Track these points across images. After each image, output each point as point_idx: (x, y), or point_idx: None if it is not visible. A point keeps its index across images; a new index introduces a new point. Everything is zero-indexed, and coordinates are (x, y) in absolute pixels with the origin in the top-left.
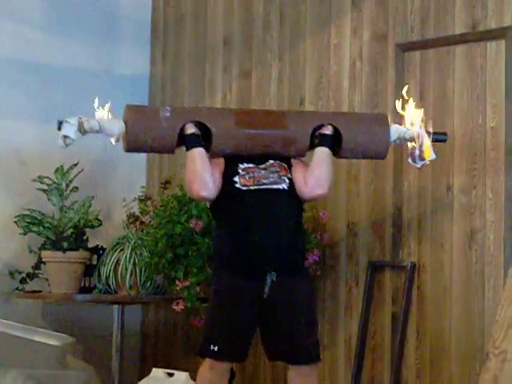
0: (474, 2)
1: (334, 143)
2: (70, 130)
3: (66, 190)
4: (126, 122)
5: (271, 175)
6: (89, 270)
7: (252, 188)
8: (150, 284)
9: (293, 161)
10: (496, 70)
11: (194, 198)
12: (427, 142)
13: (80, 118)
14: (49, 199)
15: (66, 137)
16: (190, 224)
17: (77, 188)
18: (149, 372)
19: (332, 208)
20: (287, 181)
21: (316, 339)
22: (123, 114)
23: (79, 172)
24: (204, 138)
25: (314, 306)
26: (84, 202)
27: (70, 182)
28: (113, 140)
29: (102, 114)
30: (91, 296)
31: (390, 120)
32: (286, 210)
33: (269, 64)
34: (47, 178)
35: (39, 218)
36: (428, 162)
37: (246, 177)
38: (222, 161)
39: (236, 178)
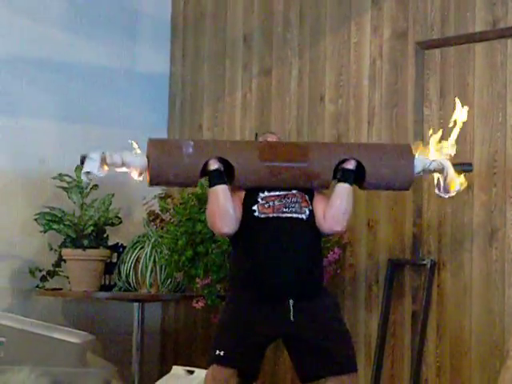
0: None
1: (358, 176)
2: (92, 165)
3: (86, 187)
4: (148, 158)
5: (292, 205)
6: (109, 267)
7: (271, 216)
8: (170, 282)
9: (315, 193)
10: None
11: (216, 234)
12: (452, 174)
13: (103, 154)
14: (69, 197)
15: (89, 173)
16: None
17: (97, 186)
18: (169, 370)
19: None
20: (307, 212)
21: (351, 350)
22: (146, 148)
23: None
24: (227, 173)
25: (341, 318)
26: (104, 200)
27: (91, 179)
28: (135, 175)
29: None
30: (111, 294)
31: (413, 150)
32: (305, 239)
33: (289, 62)
34: (67, 175)
35: (59, 215)
36: (454, 194)
37: (266, 205)
38: (242, 191)
39: (255, 207)
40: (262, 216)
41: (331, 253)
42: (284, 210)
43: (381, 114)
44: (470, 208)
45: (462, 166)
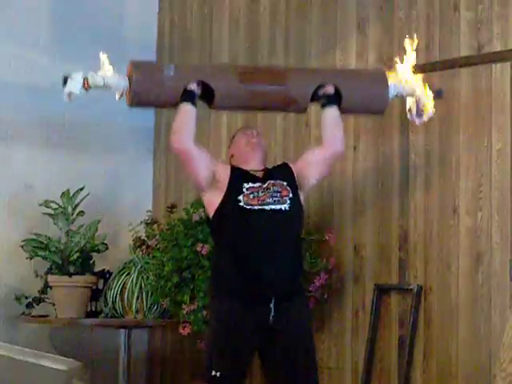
0: (479, 24)
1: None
2: (74, 86)
3: (72, 214)
4: (129, 79)
5: (274, 194)
6: (95, 294)
7: (255, 208)
8: (157, 308)
9: (290, 164)
10: (501, 92)
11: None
12: (425, 98)
13: (85, 74)
14: (55, 223)
15: (70, 93)
16: (196, 248)
17: (83, 212)
18: None
19: (338, 231)
20: (288, 201)
21: (314, 367)
22: (127, 69)
23: (85, 196)
24: (208, 96)
25: (312, 331)
26: (90, 226)
27: (76, 206)
28: (117, 95)
29: (107, 69)
30: (98, 320)
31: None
32: (287, 232)
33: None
34: (53, 202)
35: (45, 242)
36: (426, 120)
37: (251, 196)
38: (226, 173)
39: (240, 197)
40: (247, 207)
41: (318, 278)
42: (268, 200)
43: (366, 138)
44: (455, 232)
45: (433, 91)
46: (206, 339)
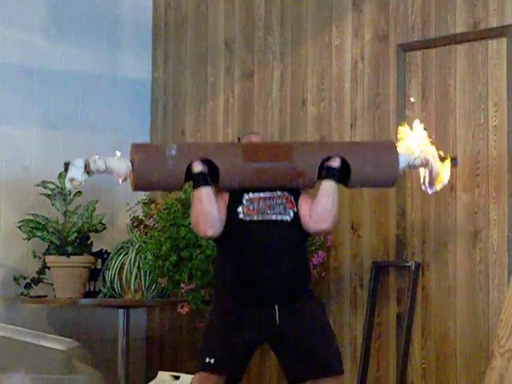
0: (475, 0)
1: (343, 175)
2: (76, 172)
3: (70, 194)
4: (132, 162)
5: (276, 207)
6: (93, 274)
7: (255, 219)
8: (155, 287)
9: (301, 192)
10: (498, 69)
11: (200, 236)
12: (437, 168)
13: (86, 160)
14: (52, 204)
15: (73, 179)
16: None
17: (80, 192)
18: (155, 375)
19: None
20: (292, 214)
21: (336, 352)
22: (130, 153)
23: None
24: (211, 175)
25: (326, 320)
26: (88, 207)
27: (75, 186)
28: (120, 180)
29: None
30: (96, 300)
31: (397, 148)
32: (290, 243)
33: (270, 65)
34: (50, 182)
35: (43, 222)
36: (438, 189)
37: (250, 207)
38: (226, 193)
39: (239, 209)
40: (247, 219)
41: (315, 256)
42: (268, 211)
43: (363, 117)
44: (453, 209)
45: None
46: (204, 327)
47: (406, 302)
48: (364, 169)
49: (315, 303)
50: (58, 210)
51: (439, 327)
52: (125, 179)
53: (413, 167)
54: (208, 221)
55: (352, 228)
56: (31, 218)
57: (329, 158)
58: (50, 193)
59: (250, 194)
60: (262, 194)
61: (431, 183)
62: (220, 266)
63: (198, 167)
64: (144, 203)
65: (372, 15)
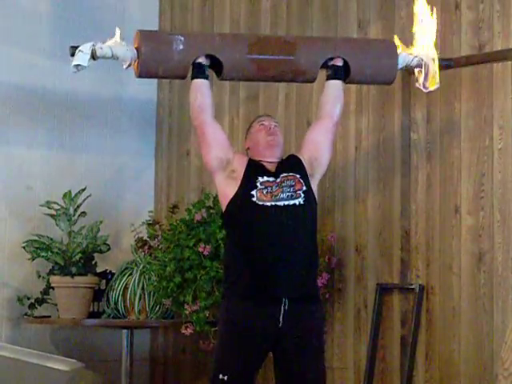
0: (480, 23)
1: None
2: (82, 58)
3: (74, 215)
4: (137, 51)
5: (287, 189)
6: (97, 294)
7: (268, 204)
8: (159, 308)
9: (297, 154)
10: (502, 92)
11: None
12: (432, 69)
13: (93, 46)
14: (57, 224)
15: (78, 65)
16: (198, 248)
17: (85, 213)
18: None
19: (340, 231)
20: (302, 195)
21: (322, 369)
22: (135, 40)
23: (87, 197)
24: (216, 66)
25: (322, 335)
26: (92, 227)
27: (78, 206)
28: (124, 65)
29: (115, 40)
30: (100, 321)
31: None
32: (302, 229)
33: (276, 86)
34: (55, 203)
35: (47, 243)
36: (432, 89)
37: (264, 191)
38: (243, 165)
39: (254, 192)
40: (260, 203)
41: (319, 277)
42: (281, 195)
43: (367, 139)
44: (457, 232)
45: (443, 62)
46: (216, 341)
47: (410, 324)
48: (364, 70)
49: (321, 314)
50: (62, 230)
51: (443, 350)
52: (129, 65)
53: (410, 67)
54: (197, 110)
55: (356, 250)
56: (35, 238)
57: (331, 58)
58: (54, 213)
59: (265, 177)
60: (272, 178)
61: (425, 84)
62: (228, 255)
63: (199, 58)
64: (148, 224)
65: (377, 37)
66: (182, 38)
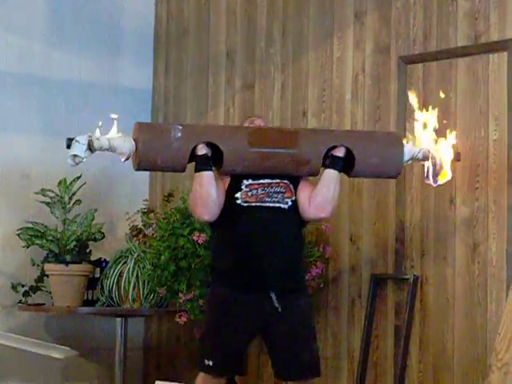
0: (476, 14)
1: (347, 164)
2: (79, 149)
3: (69, 202)
4: (136, 141)
5: (275, 195)
6: (92, 282)
7: (253, 205)
8: (153, 297)
9: (301, 180)
10: (498, 83)
11: (196, 219)
12: (441, 162)
13: (90, 137)
14: (52, 212)
15: (75, 156)
16: (193, 237)
17: (80, 201)
18: None
19: (335, 221)
20: (290, 203)
21: (315, 354)
22: (133, 131)
23: (82, 185)
24: (215, 158)
25: (311, 323)
26: (87, 215)
27: (73, 194)
28: (122, 158)
29: (112, 132)
30: (94, 309)
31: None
32: (286, 229)
33: (272, 77)
34: (50, 190)
35: (42, 230)
36: (442, 183)
37: (249, 194)
38: (228, 178)
39: (238, 194)
40: (245, 205)
41: (314, 267)
42: (267, 199)
43: (363, 129)
44: (452, 222)
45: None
46: (202, 328)
47: (403, 314)
48: (368, 160)
49: (305, 301)
50: (57, 218)
51: (437, 340)
52: (127, 158)
53: (416, 160)
54: (206, 205)
55: (351, 240)
56: (30, 225)
57: (334, 147)
58: (49, 201)
59: (250, 181)
60: (261, 181)
61: (435, 176)
62: (215, 251)
63: (201, 150)
64: (143, 212)
65: (373, 27)
66: (180, 127)
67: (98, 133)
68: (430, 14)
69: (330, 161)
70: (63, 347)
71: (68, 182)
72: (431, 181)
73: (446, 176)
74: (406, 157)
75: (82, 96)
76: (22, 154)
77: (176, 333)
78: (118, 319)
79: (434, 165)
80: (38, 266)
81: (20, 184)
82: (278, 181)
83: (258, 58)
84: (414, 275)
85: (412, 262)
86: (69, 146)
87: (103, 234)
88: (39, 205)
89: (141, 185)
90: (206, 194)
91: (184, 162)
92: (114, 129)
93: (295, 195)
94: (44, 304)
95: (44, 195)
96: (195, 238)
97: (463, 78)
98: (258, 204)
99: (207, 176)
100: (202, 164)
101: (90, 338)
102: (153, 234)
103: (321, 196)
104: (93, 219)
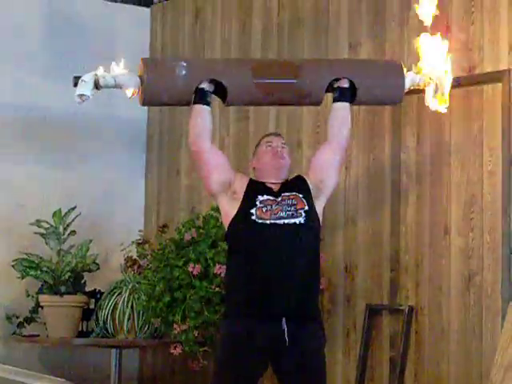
0: (470, 45)
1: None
2: (86, 88)
3: (64, 233)
4: (141, 78)
5: (288, 208)
6: (86, 313)
7: (267, 222)
8: (148, 328)
9: (304, 176)
10: (492, 114)
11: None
12: (443, 86)
13: (96, 75)
14: (46, 243)
15: (82, 95)
16: (187, 268)
17: (74, 232)
18: None
19: (330, 252)
20: (303, 214)
21: None
22: (139, 68)
23: (77, 216)
24: (220, 92)
25: (323, 355)
26: (82, 246)
27: (68, 225)
28: (128, 94)
29: (118, 68)
30: (89, 340)
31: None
32: (302, 248)
33: (266, 107)
34: (45, 221)
35: (37, 261)
36: (442, 110)
37: (263, 209)
38: (245, 178)
39: (253, 210)
40: (260, 221)
41: None
42: (281, 214)
43: (358, 159)
44: (447, 253)
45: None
46: (214, 359)
47: (399, 345)
48: (370, 90)
49: (320, 334)
50: (51, 249)
51: (432, 371)
52: (133, 94)
53: (417, 85)
54: (192, 134)
55: (346, 270)
56: (25, 256)
57: (337, 80)
58: (44, 232)
59: (265, 196)
60: (272, 197)
61: (433, 101)
62: (229, 272)
63: (203, 84)
64: (138, 243)
65: (368, 57)
66: (185, 64)
67: (102, 70)
68: None
69: (338, 93)
70: (58, 378)
71: (63, 213)
72: (430, 104)
73: (444, 102)
74: (407, 85)
75: (77, 126)
76: (17, 185)
77: (171, 364)
78: (113, 350)
79: (436, 89)
80: (33, 297)
81: (15, 214)
82: (287, 194)
83: None
84: (409, 306)
85: (407, 292)
86: (75, 85)
87: (98, 265)
88: (34, 236)
89: (136, 215)
90: (194, 123)
91: (189, 98)
92: (121, 66)
93: (307, 204)
94: (39, 335)
95: (39, 226)
96: (190, 269)
97: (457, 109)
98: (272, 221)
99: (199, 108)
100: (197, 97)
101: (84, 369)
102: (148, 265)
103: (339, 128)
104: (87, 250)
